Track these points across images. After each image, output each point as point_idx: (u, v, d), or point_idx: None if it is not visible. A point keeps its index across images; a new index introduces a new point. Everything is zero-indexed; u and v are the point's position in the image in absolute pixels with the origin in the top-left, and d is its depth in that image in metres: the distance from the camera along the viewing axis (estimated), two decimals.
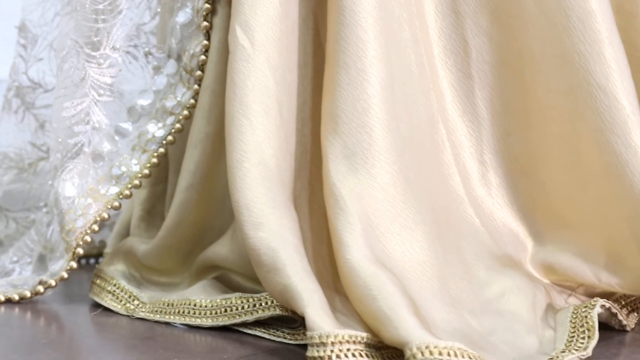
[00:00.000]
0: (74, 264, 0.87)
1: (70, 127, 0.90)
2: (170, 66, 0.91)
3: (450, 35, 0.84)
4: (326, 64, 0.80)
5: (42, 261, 0.95)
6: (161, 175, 0.95)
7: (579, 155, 0.80)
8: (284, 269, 0.71)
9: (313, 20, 0.84)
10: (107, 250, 1.02)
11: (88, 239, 0.87)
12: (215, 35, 0.86)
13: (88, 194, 0.89)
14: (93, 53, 0.90)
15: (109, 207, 0.88)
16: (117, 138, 0.91)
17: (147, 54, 0.92)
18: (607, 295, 0.82)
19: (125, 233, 0.99)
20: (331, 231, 0.74)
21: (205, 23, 0.86)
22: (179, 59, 0.90)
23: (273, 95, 0.78)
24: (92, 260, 1.08)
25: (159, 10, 0.94)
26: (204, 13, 0.86)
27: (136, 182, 0.89)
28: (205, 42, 0.86)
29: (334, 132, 0.77)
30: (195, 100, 0.87)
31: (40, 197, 1.04)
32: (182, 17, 0.89)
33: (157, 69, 0.91)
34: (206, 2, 0.86)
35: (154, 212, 0.96)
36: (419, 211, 0.77)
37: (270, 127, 0.78)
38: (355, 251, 0.72)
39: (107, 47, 0.90)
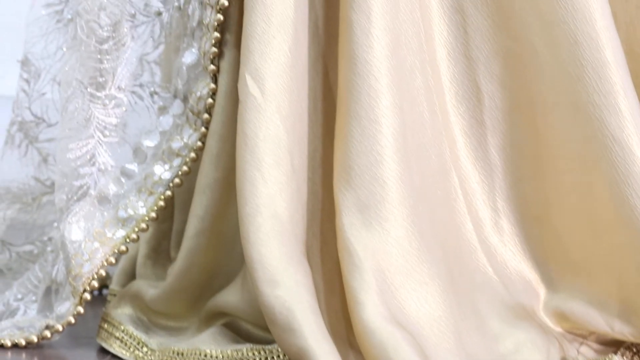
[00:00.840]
0: (81, 309, 0.87)
1: (75, 168, 0.89)
2: (177, 106, 0.89)
3: (462, 81, 0.83)
4: (338, 113, 0.79)
5: (47, 300, 0.94)
6: (167, 212, 0.94)
7: (592, 205, 0.80)
8: (299, 329, 0.71)
9: (322, 63, 0.83)
10: (113, 286, 1.01)
11: (95, 284, 0.87)
12: (223, 79, 0.85)
13: (95, 237, 0.88)
14: (98, 94, 0.89)
15: (116, 251, 0.87)
16: (123, 180, 0.90)
17: (152, 94, 0.91)
18: (618, 343, 0.82)
19: (131, 270, 0.98)
20: (346, 288, 0.74)
21: (212, 67, 0.85)
22: (185, 99, 0.89)
23: (284, 146, 0.78)
24: (95, 292, 1.07)
25: (162, 40, 0.93)
26: (211, 56, 0.84)
27: (143, 225, 0.88)
28: (213, 85, 0.85)
29: (347, 185, 0.76)
30: (203, 143, 0.86)
31: (44, 232, 1.03)
32: (189, 57, 0.88)
33: (162, 109, 0.90)
34: (213, 46, 0.84)
35: (159, 249, 0.96)
36: (433, 264, 0.76)
37: (282, 178, 0.77)
38: (371, 310, 0.71)
39: (112, 88, 0.89)
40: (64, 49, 0.95)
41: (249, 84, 0.78)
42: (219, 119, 0.85)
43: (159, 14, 0.91)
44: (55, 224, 0.91)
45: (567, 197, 0.81)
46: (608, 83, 0.77)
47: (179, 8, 0.90)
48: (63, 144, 0.89)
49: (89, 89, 0.88)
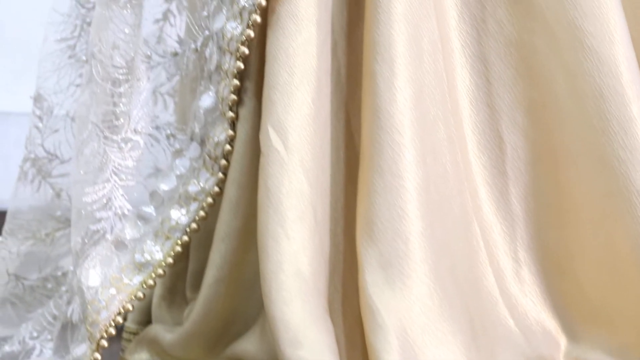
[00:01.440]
0: (99, 356, 0.86)
1: (92, 212, 0.88)
2: (194, 149, 0.88)
3: (484, 130, 0.82)
4: (361, 165, 0.78)
5: (63, 339, 0.93)
6: (182, 253, 0.93)
7: (614, 256, 0.79)
8: None
9: (344, 111, 0.82)
10: (128, 324, 1.01)
11: (112, 331, 0.86)
12: (242, 127, 0.83)
13: (111, 283, 0.87)
14: (114, 137, 0.87)
15: (133, 297, 0.86)
16: (139, 223, 0.89)
17: (169, 137, 0.90)
18: None
19: (146, 308, 0.98)
20: (368, 347, 0.73)
21: (230, 114, 0.83)
22: (202, 143, 0.87)
23: (307, 200, 0.77)
24: None
25: (176, 72, 0.92)
26: (230, 103, 0.83)
27: (160, 271, 0.87)
28: (231, 132, 0.84)
29: (369, 240, 0.75)
30: (220, 189, 0.85)
31: (57, 266, 1.02)
32: (206, 101, 0.86)
33: (179, 152, 0.89)
34: (232, 93, 0.83)
35: (175, 290, 0.95)
36: (455, 320, 0.76)
37: (305, 233, 0.76)
38: None
39: (128, 130, 0.88)
40: (79, 91, 0.94)
41: (272, 137, 0.77)
42: (238, 167, 0.83)
43: (175, 54, 0.90)
44: (71, 267, 0.90)
45: (589, 248, 0.81)
46: (634, 139, 0.76)
47: (196, 50, 0.88)
48: (79, 187, 0.88)
49: (105, 133, 0.87)
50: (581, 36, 0.77)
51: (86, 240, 0.88)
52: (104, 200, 0.88)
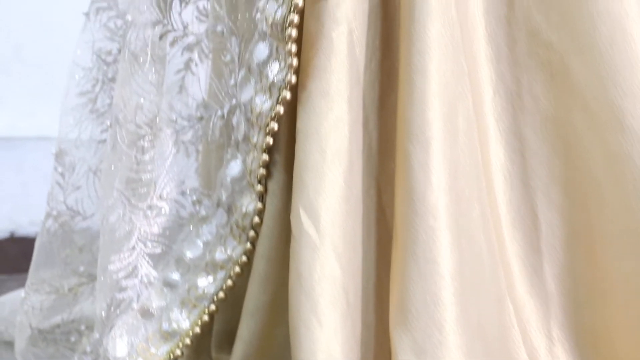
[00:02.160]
0: None
1: (117, 281, 0.86)
2: (220, 216, 0.87)
3: (519, 207, 0.80)
4: (394, 247, 0.76)
5: None
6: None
7: None
8: None
9: (376, 187, 0.80)
10: None
11: None
12: (271, 201, 0.82)
13: (139, 353, 0.86)
14: (140, 204, 0.86)
15: None
16: (165, 291, 0.87)
17: (195, 203, 0.88)
18: None
19: None
20: None
21: (259, 187, 0.82)
22: (229, 211, 0.86)
23: (339, 284, 0.75)
24: None
25: (203, 136, 0.90)
26: (258, 177, 0.81)
27: (187, 340, 0.86)
28: (260, 205, 0.82)
29: (403, 326, 0.74)
30: (248, 259, 0.84)
31: (81, 321, 1.01)
32: (233, 169, 0.85)
33: (205, 219, 0.88)
34: (261, 166, 0.81)
35: (200, 350, 0.93)
36: None
37: (337, 318, 0.75)
38: None
39: (154, 197, 0.86)
40: (102, 147, 0.93)
41: (303, 220, 0.75)
42: (267, 242, 0.82)
43: (201, 119, 0.89)
44: (97, 334, 0.89)
45: (625, 327, 0.79)
46: None
47: (222, 117, 0.87)
48: (104, 254, 0.87)
49: (131, 200, 0.86)
50: (620, 116, 0.75)
51: (112, 309, 0.87)
52: (130, 268, 0.87)
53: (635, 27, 0.76)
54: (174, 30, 0.88)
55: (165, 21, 0.87)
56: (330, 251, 0.75)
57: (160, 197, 0.87)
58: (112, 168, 0.87)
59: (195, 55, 0.97)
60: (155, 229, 0.87)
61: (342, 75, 0.77)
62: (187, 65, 0.97)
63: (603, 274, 0.79)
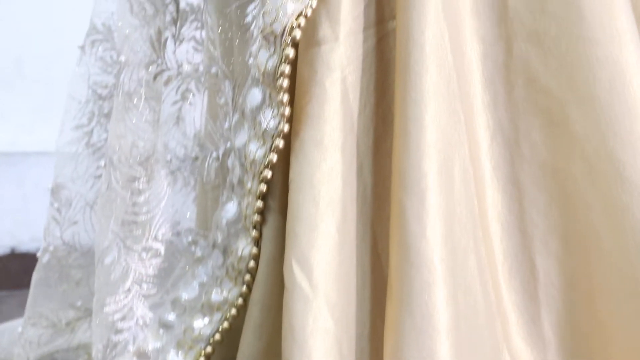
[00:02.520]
0: None
1: (113, 322, 0.86)
2: (216, 257, 0.86)
3: (516, 255, 0.79)
4: (388, 299, 0.75)
5: None
6: None
7: None
8: None
9: (371, 234, 0.79)
10: None
11: None
12: (266, 247, 0.81)
13: None
14: (135, 247, 0.85)
15: None
16: (161, 332, 0.87)
17: (190, 244, 0.87)
18: None
19: None
20: None
21: (254, 233, 0.81)
22: (225, 253, 0.85)
23: (332, 336, 0.75)
24: None
25: (198, 176, 0.90)
26: (253, 223, 0.81)
27: None
28: (255, 250, 0.81)
29: None
30: (244, 301, 0.83)
31: (78, 354, 1.01)
32: (229, 212, 0.84)
33: (200, 260, 0.87)
34: (255, 213, 0.80)
35: None
36: None
37: None
38: None
39: (149, 239, 0.86)
40: (98, 183, 0.92)
41: (296, 272, 0.75)
42: (262, 288, 0.81)
43: (196, 159, 0.88)
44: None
45: None
46: None
47: (217, 158, 0.86)
48: (99, 296, 0.86)
49: (125, 242, 0.85)
50: (620, 167, 0.74)
51: (108, 351, 0.86)
52: (125, 310, 0.86)
53: (636, 75, 0.74)
54: (168, 69, 0.87)
55: (160, 60, 0.86)
56: (323, 303, 0.74)
57: (156, 238, 0.86)
58: (107, 209, 0.86)
59: (192, 86, 0.96)
60: (151, 271, 0.86)
61: (336, 124, 0.76)
62: (184, 96, 0.96)
63: (602, 325, 0.78)
